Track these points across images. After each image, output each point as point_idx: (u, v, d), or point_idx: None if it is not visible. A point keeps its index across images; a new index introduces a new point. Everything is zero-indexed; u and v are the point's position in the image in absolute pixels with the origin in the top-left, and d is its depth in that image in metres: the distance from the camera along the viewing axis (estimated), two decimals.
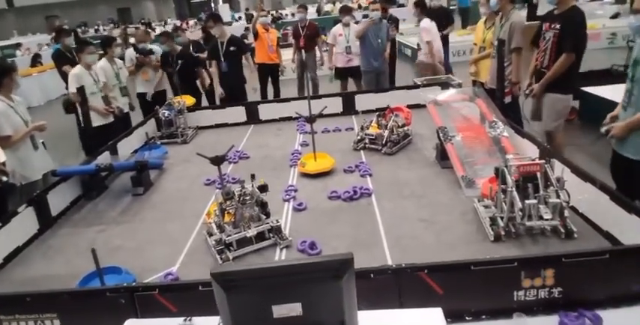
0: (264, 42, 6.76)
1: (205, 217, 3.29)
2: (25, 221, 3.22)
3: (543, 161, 2.68)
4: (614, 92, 5.57)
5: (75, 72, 4.86)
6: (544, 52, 4.03)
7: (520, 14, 4.77)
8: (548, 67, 3.95)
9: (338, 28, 6.66)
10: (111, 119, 5.01)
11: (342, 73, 6.82)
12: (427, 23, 6.66)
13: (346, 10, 6.75)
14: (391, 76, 7.47)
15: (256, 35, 6.84)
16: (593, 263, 2.02)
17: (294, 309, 1.47)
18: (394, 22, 7.46)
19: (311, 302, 1.47)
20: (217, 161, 3.05)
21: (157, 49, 6.19)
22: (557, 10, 3.93)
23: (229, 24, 20.23)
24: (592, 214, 2.76)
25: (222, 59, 5.81)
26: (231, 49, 5.82)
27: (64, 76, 5.44)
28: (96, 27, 26.30)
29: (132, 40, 6.11)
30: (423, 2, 6.98)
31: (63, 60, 5.89)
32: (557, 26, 3.85)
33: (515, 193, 2.59)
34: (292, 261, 1.50)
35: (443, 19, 7.76)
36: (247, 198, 2.91)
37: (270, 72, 7.09)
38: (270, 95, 7.19)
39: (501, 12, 4.81)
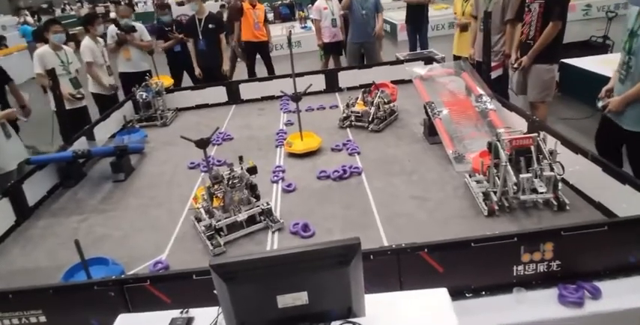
0: (250, 19, 6.50)
1: (192, 202, 3.19)
2: (1, 213, 3.05)
3: (536, 134, 2.65)
4: (593, 63, 5.63)
5: (38, 52, 4.57)
6: (529, 24, 3.99)
7: None
8: (535, 39, 3.92)
9: (321, 2, 6.47)
10: (84, 103, 4.78)
11: (327, 49, 6.66)
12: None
13: None
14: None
15: (241, 11, 6.57)
16: (591, 235, 2.02)
17: (300, 298, 1.41)
18: None
19: (317, 290, 1.41)
20: (203, 144, 2.92)
21: (140, 26, 5.88)
22: None
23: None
24: (583, 186, 2.76)
25: (200, 37, 5.57)
26: (210, 26, 5.59)
27: None
28: (62, 6, 24.97)
29: (112, 15, 5.81)
30: None
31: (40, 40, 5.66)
32: None
33: (509, 167, 2.56)
34: (296, 248, 1.43)
35: None
36: (236, 180, 2.81)
37: (258, 50, 6.86)
38: (261, 74, 7.00)
39: None
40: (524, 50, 4.07)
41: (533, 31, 3.94)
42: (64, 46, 4.89)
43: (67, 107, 4.45)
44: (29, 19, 16.33)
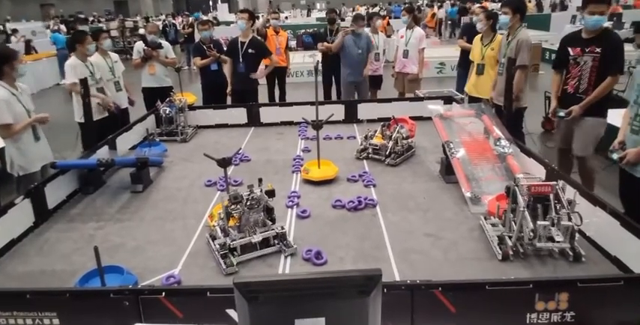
0: (272, 44, 6.74)
1: (208, 219, 3.23)
2: (22, 213, 3.11)
3: (555, 182, 2.68)
4: (616, 117, 5.67)
5: (70, 62, 4.76)
6: (579, 78, 3.90)
7: (527, 33, 4.82)
8: (587, 92, 3.87)
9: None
10: (106, 113, 4.92)
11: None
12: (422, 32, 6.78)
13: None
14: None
15: (265, 37, 6.81)
16: (607, 289, 2.02)
17: (318, 324, 1.43)
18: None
19: (335, 317, 1.42)
20: (224, 163, 2.98)
21: (166, 43, 6.10)
22: (585, 33, 3.85)
23: (228, 24, 20.21)
24: (600, 238, 2.76)
25: (240, 60, 5.72)
26: (250, 51, 5.74)
27: None
28: (92, 18, 25.89)
29: (142, 31, 6.08)
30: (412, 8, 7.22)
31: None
32: (597, 50, 3.75)
33: (526, 213, 2.58)
34: (318, 274, 1.46)
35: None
36: (254, 202, 2.85)
37: (276, 74, 7.07)
38: (277, 98, 7.18)
39: (509, 30, 4.86)
40: (569, 103, 3.96)
41: (586, 84, 3.84)
42: (111, 53, 5.12)
43: (96, 117, 4.59)
44: (63, 27, 16.93)
